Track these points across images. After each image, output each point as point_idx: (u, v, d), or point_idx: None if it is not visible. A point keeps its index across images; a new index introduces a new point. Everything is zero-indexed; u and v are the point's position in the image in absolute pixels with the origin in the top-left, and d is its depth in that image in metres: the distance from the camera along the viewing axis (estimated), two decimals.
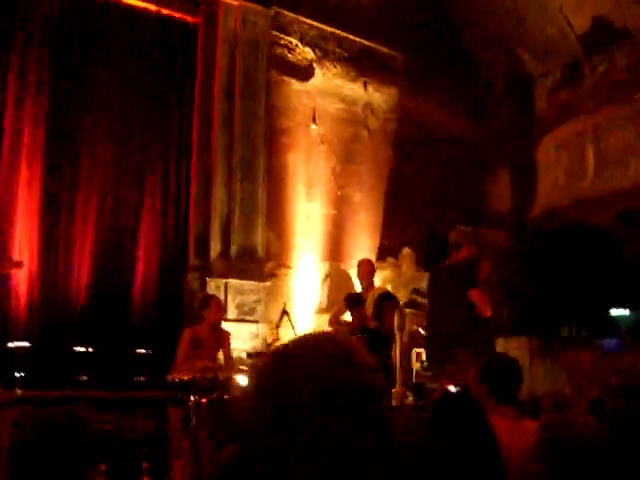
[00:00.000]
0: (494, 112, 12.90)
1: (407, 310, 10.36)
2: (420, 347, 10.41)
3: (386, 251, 10.85)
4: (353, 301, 7.43)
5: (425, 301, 10.59)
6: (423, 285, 10.40)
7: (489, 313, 5.89)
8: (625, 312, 10.70)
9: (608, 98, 11.12)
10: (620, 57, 11.67)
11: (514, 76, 13.08)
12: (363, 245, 10.89)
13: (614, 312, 10.84)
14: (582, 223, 10.27)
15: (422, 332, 10.33)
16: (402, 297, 10.26)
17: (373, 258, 10.51)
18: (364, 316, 7.07)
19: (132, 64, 9.34)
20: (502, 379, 3.40)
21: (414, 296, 10.36)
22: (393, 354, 7.34)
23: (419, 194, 11.67)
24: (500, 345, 9.23)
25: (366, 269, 7.54)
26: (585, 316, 10.12)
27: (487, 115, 12.98)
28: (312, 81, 10.96)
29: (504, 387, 3.38)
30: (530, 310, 10.15)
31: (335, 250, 10.65)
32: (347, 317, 7.90)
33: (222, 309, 7.88)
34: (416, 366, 10.32)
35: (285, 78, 10.70)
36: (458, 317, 5.98)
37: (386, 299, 7.14)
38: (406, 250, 10.60)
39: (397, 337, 9.36)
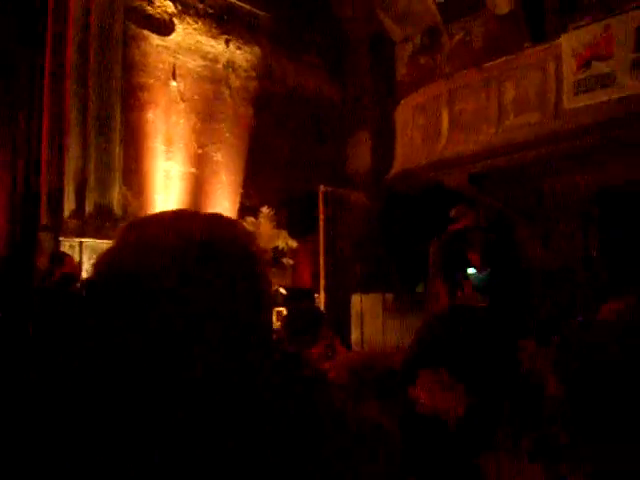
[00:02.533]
0: (356, 74, 13.07)
1: None
2: (281, 306, 10.50)
3: (246, 210, 10.83)
4: None
5: (284, 259, 10.71)
6: (281, 244, 10.49)
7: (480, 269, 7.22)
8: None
9: (463, 65, 11.47)
10: (476, 26, 12.06)
11: (376, 39, 13.27)
12: (223, 204, 10.82)
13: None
14: (436, 185, 10.60)
15: (283, 291, 10.44)
16: None
17: (233, 217, 10.46)
18: None
19: None
20: (299, 326, 3.71)
21: (273, 255, 10.42)
22: None
23: (281, 154, 11.69)
24: (356, 300, 9.50)
25: None
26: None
27: (349, 77, 13.13)
28: (172, 36, 10.68)
29: (301, 333, 3.66)
30: (384, 268, 10.44)
31: (195, 209, 10.50)
32: None
33: (76, 268, 7.54)
34: (277, 325, 10.40)
35: (144, 32, 10.36)
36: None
37: None
38: (265, 209, 10.61)
39: None
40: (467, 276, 7.31)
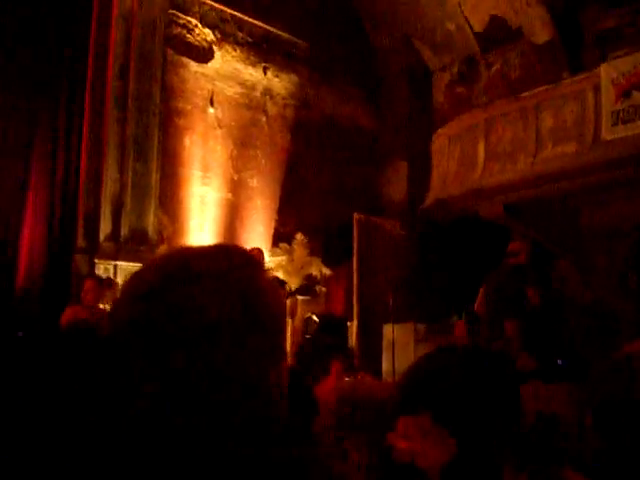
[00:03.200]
0: (393, 103, 13.09)
1: (299, 297, 10.42)
2: (312, 333, 10.46)
3: (281, 237, 10.85)
4: None
5: (317, 287, 10.68)
6: (315, 271, 10.46)
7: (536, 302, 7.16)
8: None
9: (500, 94, 11.44)
10: (513, 56, 12.03)
11: (414, 69, 13.30)
12: (258, 230, 10.85)
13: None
14: (471, 215, 10.51)
15: (315, 319, 10.40)
16: (294, 283, 10.29)
17: (268, 243, 10.51)
18: None
19: (20, 34, 8.94)
20: (306, 356, 3.69)
21: (306, 282, 10.40)
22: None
23: (316, 181, 11.72)
24: (388, 330, 9.39)
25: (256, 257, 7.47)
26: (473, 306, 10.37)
27: (386, 106, 13.15)
28: (211, 63, 10.82)
29: (310, 363, 3.61)
30: (419, 298, 10.36)
31: (230, 235, 10.56)
32: None
33: (96, 290, 7.32)
34: None
35: (183, 59, 10.52)
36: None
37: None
38: (299, 236, 10.60)
39: (288, 323, 9.40)
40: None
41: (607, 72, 9.08)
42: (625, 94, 8.80)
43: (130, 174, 9.48)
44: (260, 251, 7.88)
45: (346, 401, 1.95)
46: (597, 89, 9.13)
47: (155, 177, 9.73)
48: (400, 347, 9.04)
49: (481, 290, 7.71)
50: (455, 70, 13.01)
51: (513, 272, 7.31)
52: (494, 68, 12.34)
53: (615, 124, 8.84)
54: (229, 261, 0.96)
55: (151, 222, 9.63)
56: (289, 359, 8.59)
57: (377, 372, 9.30)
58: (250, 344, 0.90)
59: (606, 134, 8.92)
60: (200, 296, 0.89)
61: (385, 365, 9.60)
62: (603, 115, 8.98)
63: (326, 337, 4.44)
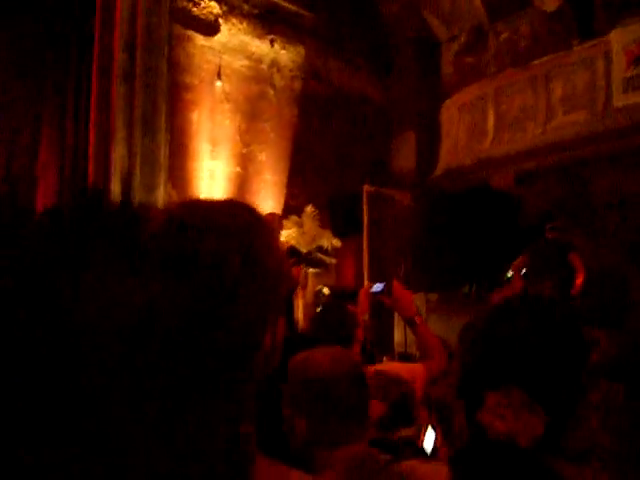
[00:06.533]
0: (401, 74, 13.00)
1: (310, 269, 10.44)
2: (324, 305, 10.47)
3: (290, 210, 10.83)
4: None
5: (328, 259, 10.69)
6: (326, 243, 10.46)
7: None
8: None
9: (509, 63, 11.36)
10: (522, 25, 11.91)
11: (422, 39, 13.19)
12: (268, 204, 10.83)
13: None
14: (482, 185, 10.49)
15: (326, 291, 10.41)
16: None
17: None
18: None
19: (25, 9, 8.92)
20: (329, 327, 3.43)
21: (317, 254, 10.40)
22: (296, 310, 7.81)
23: (325, 153, 11.67)
24: None
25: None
26: (485, 275, 10.39)
27: (394, 77, 13.07)
28: (217, 37, 10.73)
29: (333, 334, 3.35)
30: (430, 268, 10.35)
31: None
32: None
33: None
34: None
35: (189, 33, 10.43)
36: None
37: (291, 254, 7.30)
38: (309, 208, 10.58)
39: (299, 294, 9.43)
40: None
41: (617, 38, 8.99)
42: (636, 60, 8.73)
43: (139, 150, 9.46)
44: (275, 215, 7.88)
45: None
46: (607, 56, 9.06)
47: (164, 152, 9.70)
48: None
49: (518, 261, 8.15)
50: (463, 40, 12.89)
51: (553, 244, 7.73)
52: (503, 37, 12.22)
53: (626, 91, 8.78)
54: (236, 217, 0.98)
55: (161, 197, 9.62)
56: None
57: (389, 343, 9.34)
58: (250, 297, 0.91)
59: (617, 101, 8.86)
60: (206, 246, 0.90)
61: (397, 336, 9.63)
62: (614, 82, 8.91)
63: (342, 306, 4.14)
